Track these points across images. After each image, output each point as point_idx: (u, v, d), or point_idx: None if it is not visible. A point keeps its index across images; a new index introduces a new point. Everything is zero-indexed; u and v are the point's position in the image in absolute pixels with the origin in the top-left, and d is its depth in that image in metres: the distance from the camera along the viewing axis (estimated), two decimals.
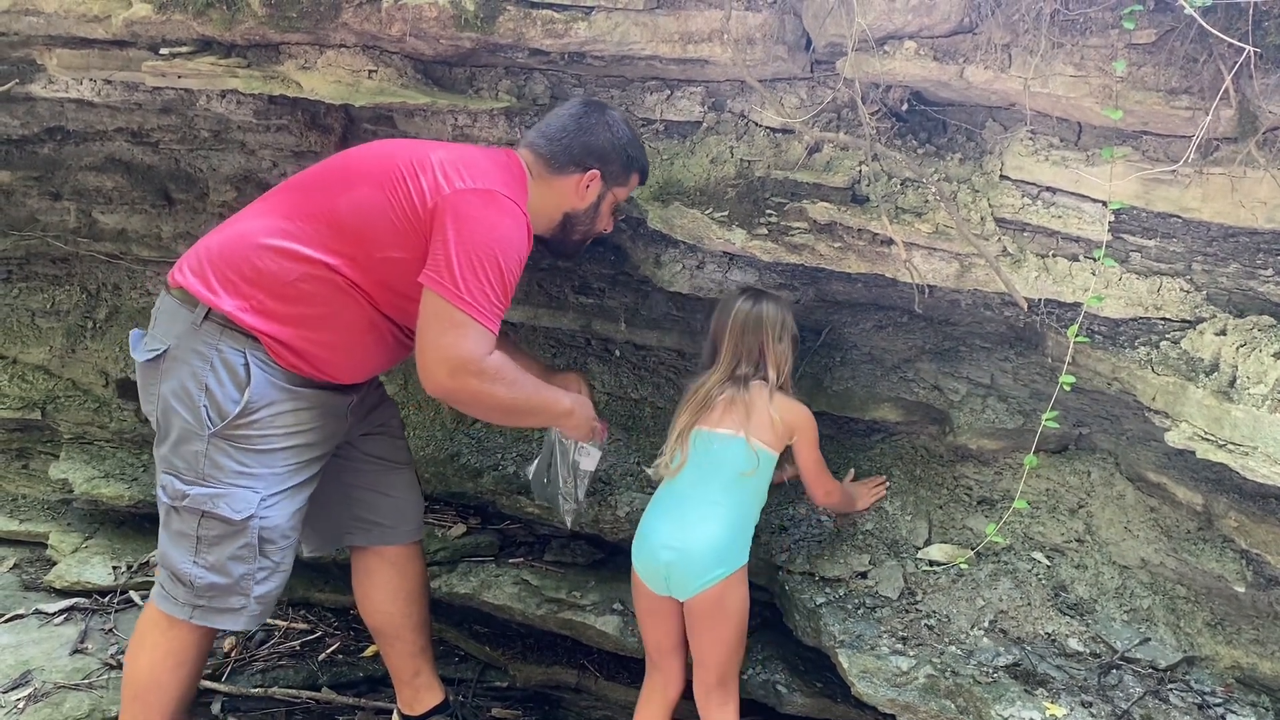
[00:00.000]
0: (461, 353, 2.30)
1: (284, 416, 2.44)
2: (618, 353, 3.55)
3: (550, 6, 2.71)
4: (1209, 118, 2.12)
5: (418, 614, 2.93)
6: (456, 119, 3.06)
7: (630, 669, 3.34)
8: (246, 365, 2.38)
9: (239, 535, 2.43)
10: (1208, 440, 2.26)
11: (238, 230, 2.47)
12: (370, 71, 2.92)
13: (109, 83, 3.37)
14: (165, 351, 2.42)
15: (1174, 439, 2.32)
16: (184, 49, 3.02)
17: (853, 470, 3.14)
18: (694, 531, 2.63)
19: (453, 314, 2.30)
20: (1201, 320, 2.39)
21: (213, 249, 2.46)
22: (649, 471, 2.87)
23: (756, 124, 2.88)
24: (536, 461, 2.95)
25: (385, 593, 2.89)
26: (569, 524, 2.98)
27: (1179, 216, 2.35)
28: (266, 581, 2.51)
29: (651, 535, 2.69)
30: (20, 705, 3.06)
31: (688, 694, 2.82)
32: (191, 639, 2.55)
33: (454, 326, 2.30)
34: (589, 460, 2.83)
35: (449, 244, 2.32)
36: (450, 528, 3.53)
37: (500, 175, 2.47)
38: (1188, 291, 2.41)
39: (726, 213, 2.77)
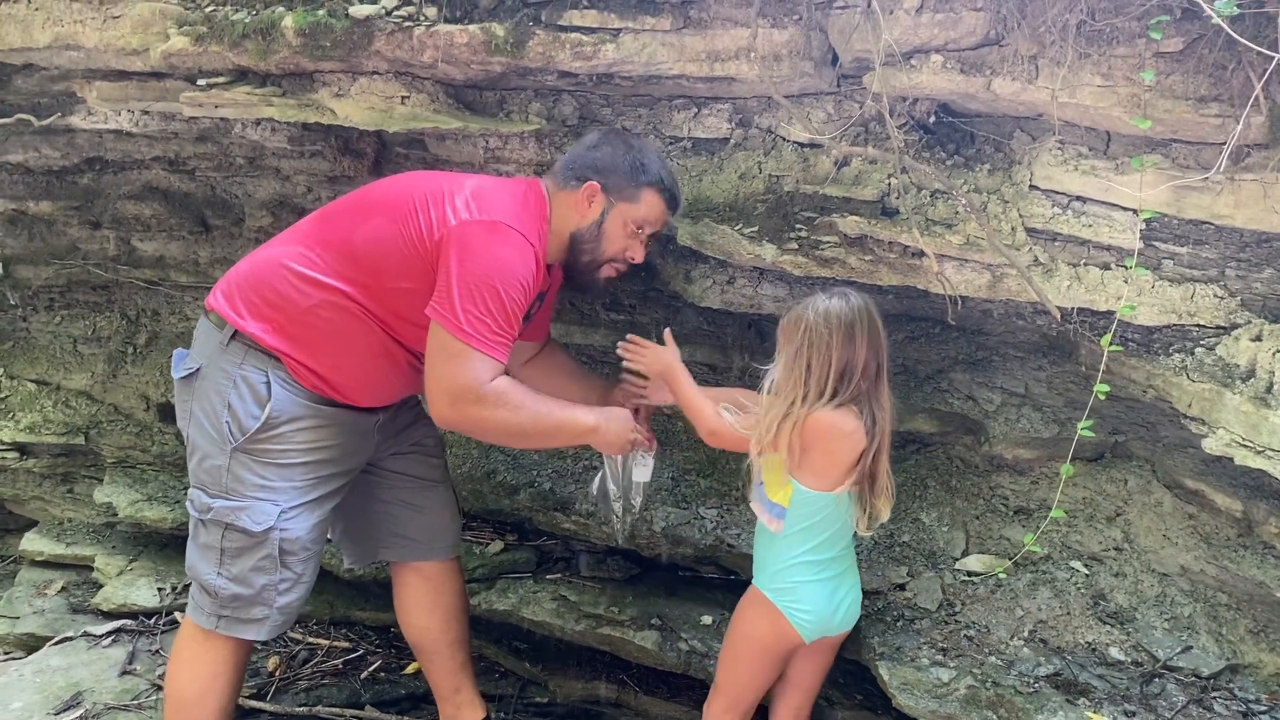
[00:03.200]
0: (459, 381, 2.35)
1: (305, 432, 2.52)
2: None
3: (578, 29, 2.74)
4: (1240, 125, 2.12)
5: (455, 630, 2.96)
6: (488, 142, 3.10)
7: (669, 683, 3.35)
8: (268, 383, 2.48)
9: (260, 547, 2.50)
10: (1246, 446, 2.25)
11: (264, 256, 2.59)
12: (403, 97, 2.96)
13: (146, 113, 3.44)
14: (198, 370, 2.54)
15: (1211, 446, 2.31)
16: (220, 79, 3.07)
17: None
18: (851, 578, 2.59)
19: (452, 344, 2.36)
20: (1236, 326, 2.38)
21: (241, 274, 2.58)
22: (860, 527, 2.50)
23: (784, 139, 2.89)
24: (599, 478, 2.94)
25: (423, 609, 2.94)
26: (620, 540, 2.97)
27: (1211, 223, 2.34)
28: (289, 593, 2.57)
29: (848, 598, 2.55)
30: None
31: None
32: (226, 651, 2.60)
33: (452, 357, 2.36)
34: (641, 471, 2.77)
35: (450, 276, 2.38)
36: (488, 544, 3.56)
37: (511, 206, 2.50)
38: (1222, 298, 2.40)
39: (756, 228, 2.79)
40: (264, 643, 3.14)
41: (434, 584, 2.93)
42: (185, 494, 3.80)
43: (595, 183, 2.58)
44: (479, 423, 2.42)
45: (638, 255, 2.69)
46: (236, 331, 2.49)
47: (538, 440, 2.70)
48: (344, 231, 2.52)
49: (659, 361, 2.65)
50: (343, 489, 2.67)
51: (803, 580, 2.49)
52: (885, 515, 2.46)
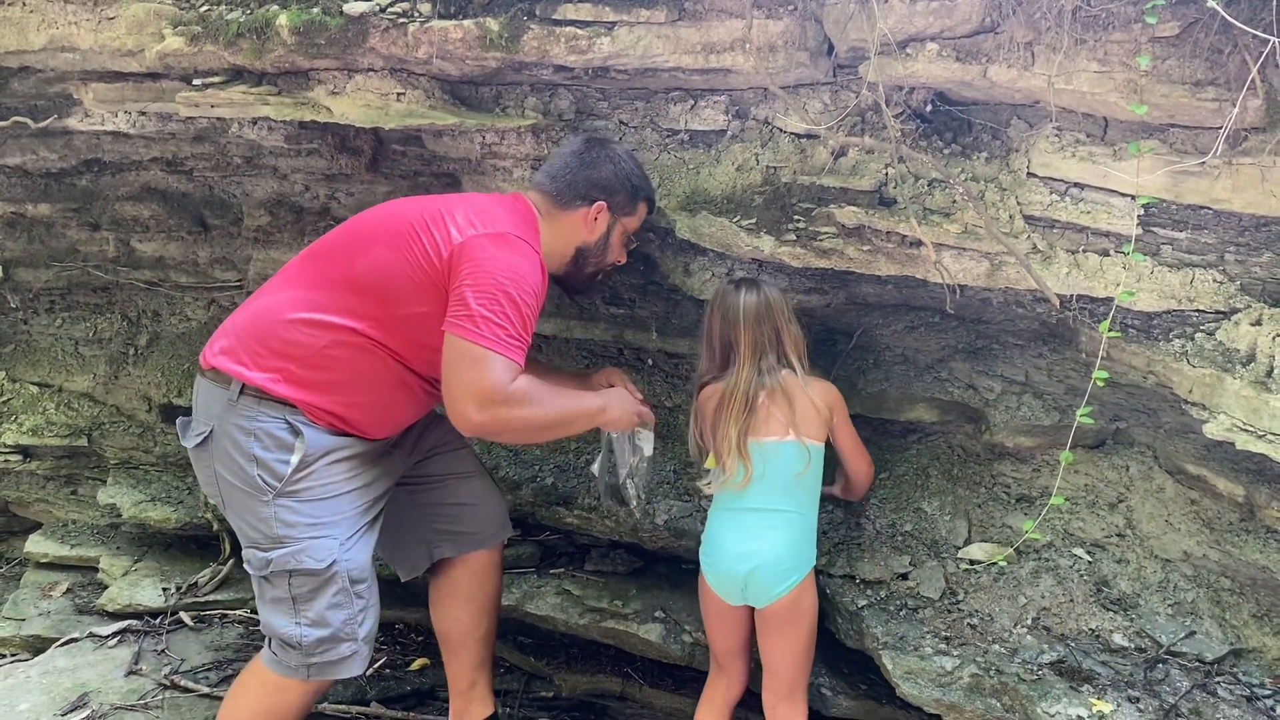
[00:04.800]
0: (485, 385, 2.35)
1: (340, 464, 2.52)
2: (650, 362, 3.57)
3: (573, 23, 2.74)
4: (1236, 109, 2.12)
5: (487, 625, 2.97)
6: (484, 137, 3.10)
7: (674, 676, 3.36)
8: (289, 428, 2.46)
9: (330, 584, 2.48)
10: (1247, 431, 2.25)
11: (261, 305, 2.56)
12: (398, 94, 2.96)
13: (143, 114, 3.44)
14: (210, 432, 2.50)
15: (1212, 431, 2.31)
16: (216, 79, 3.07)
17: None
18: (767, 540, 2.65)
19: (472, 350, 2.35)
20: (1236, 311, 2.38)
21: (239, 326, 2.55)
22: (701, 487, 2.81)
23: (781, 130, 2.89)
24: (599, 459, 2.97)
25: (461, 601, 2.94)
26: (637, 513, 3.02)
27: (1209, 208, 2.34)
28: (366, 621, 2.58)
29: (724, 547, 2.69)
30: None
31: (744, 702, 2.85)
32: (298, 697, 2.58)
33: (475, 362, 2.35)
34: (646, 444, 2.86)
35: (464, 288, 2.39)
36: None
37: (510, 218, 2.54)
38: (1221, 282, 2.40)
39: (754, 220, 2.79)
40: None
41: (477, 577, 2.94)
42: (189, 494, 3.89)
43: (603, 202, 2.67)
44: (506, 423, 2.40)
45: (623, 258, 2.85)
46: (245, 385, 2.46)
47: (558, 431, 2.74)
48: (343, 268, 2.51)
49: None
50: (384, 509, 2.69)
51: (711, 527, 2.77)
52: (730, 472, 2.69)
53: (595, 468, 3.01)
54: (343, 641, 2.53)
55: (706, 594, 2.77)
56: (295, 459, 2.44)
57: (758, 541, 2.65)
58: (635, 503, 2.96)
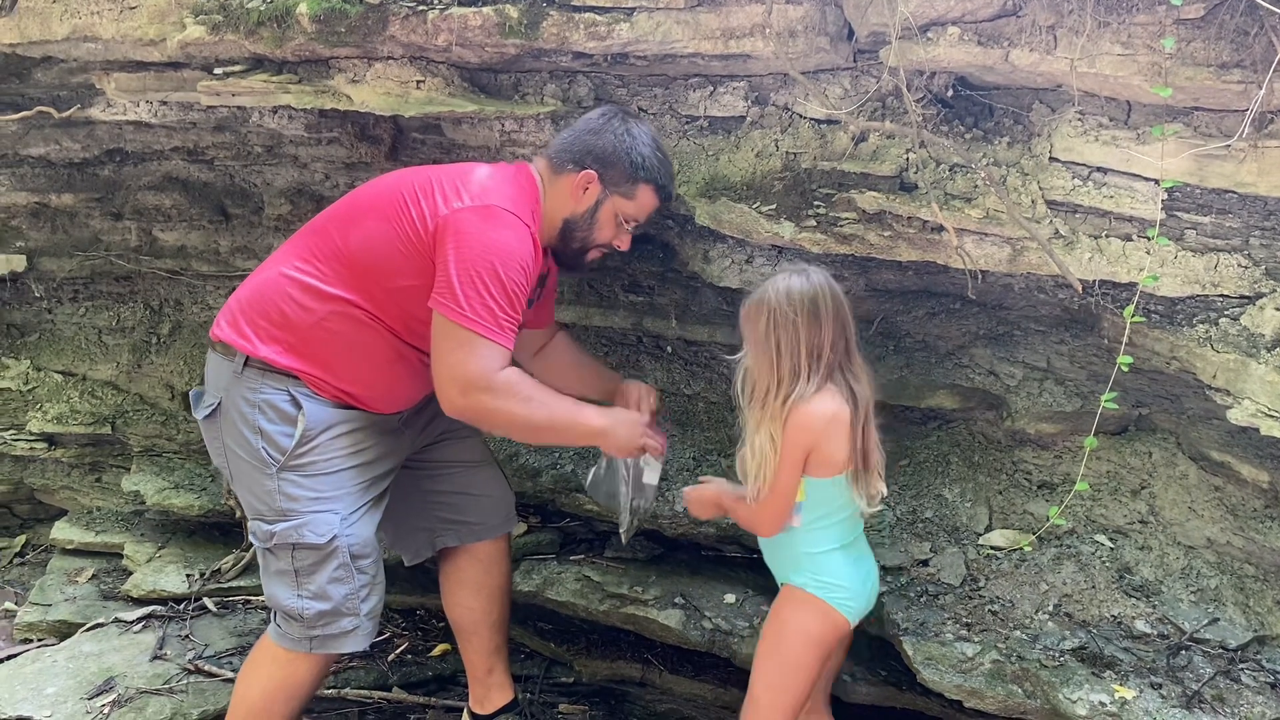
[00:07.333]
0: (470, 370, 2.32)
1: (343, 438, 2.52)
2: (669, 349, 3.57)
3: (592, 9, 2.73)
4: (1262, 91, 2.10)
5: (498, 612, 2.98)
6: (504, 125, 3.10)
7: (694, 662, 3.36)
8: (292, 400, 2.46)
9: (331, 558, 2.49)
10: (1271, 416, 2.23)
11: (263, 278, 2.56)
12: (418, 82, 2.97)
13: (165, 104, 3.46)
14: (219, 405, 2.52)
15: (1236, 416, 2.30)
16: (237, 68, 3.09)
17: None
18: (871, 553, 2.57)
19: (458, 332, 2.33)
20: (1261, 295, 2.36)
21: (243, 299, 2.56)
22: (862, 510, 2.45)
23: (801, 116, 2.88)
24: (593, 470, 2.88)
25: (470, 589, 2.95)
26: (624, 540, 2.90)
27: (1234, 192, 2.32)
28: (370, 598, 2.58)
29: (873, 575, 2.52)
30: (105, 710, 3.16)
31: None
32: (306, 671, 2.60)
33: (460, 345, 2.33)
34: (651, 474, 2.72)
35: (449, 264, 2.35)
36: None
37: (503, 189, 2.47)
38: (1246, 267, 2.38)
39: (774, 206, 2.78)
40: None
41: (484, 565, 2.95)
42: (212, 481, 3.92)
43: (592, 171, 2.56)
44: (489, 413, 2.38)
45: (624, 244, 2.70)
46: (249, 358, 2.47)
47: (546, 437, 2.69)
48: (339, 240, 2.50)
49: (710, 503, 2.58)
50: (389, 488, 2.69)
51: (839, 566, 2.42)
52: (883, 489, 2.40)
53: (588, 482, 2.88)
54: (344, 616, 2.54)
55: (835, 631, 2.44)
56: (297, 432, 2.44)
57: (869, 557, 2.54)
58: (625, 530, 2.84)
